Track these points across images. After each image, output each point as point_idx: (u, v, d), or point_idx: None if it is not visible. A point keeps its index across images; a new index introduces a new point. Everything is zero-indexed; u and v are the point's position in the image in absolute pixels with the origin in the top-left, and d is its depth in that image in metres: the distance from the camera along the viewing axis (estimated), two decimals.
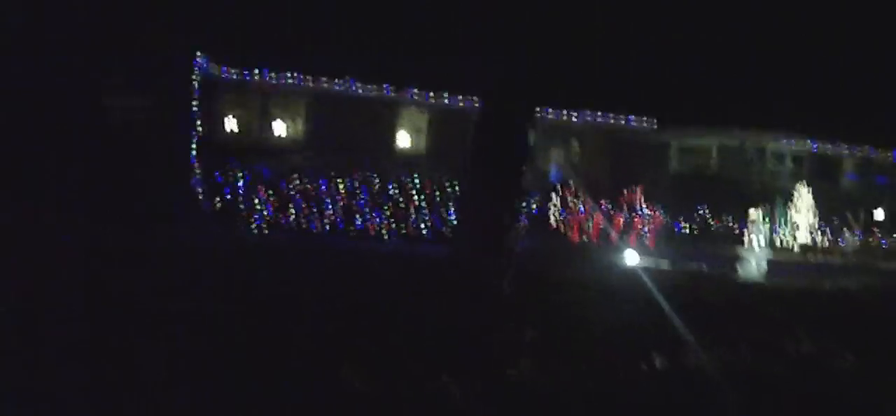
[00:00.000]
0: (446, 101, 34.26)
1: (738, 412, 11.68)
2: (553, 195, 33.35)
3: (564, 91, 34.60)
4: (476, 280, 14.14)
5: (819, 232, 36.85)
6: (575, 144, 39.19)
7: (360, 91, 33.32)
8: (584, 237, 33.74)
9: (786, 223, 36.69)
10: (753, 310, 18.98)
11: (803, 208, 36.62)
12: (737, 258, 26.73)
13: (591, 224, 34.16)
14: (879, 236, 41.12)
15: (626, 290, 20.76)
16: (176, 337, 12.11)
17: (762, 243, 26.63)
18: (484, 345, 12.18)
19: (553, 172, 39.05)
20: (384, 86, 33.45)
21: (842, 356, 15.29)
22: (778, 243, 36.44)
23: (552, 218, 33.22)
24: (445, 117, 34.96)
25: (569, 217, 33.73)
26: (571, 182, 35.21)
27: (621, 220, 34.90)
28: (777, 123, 41.31)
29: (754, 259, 26.42)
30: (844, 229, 37.47)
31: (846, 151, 44.57)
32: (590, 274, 23.73)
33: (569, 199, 33.78)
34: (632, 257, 27.99)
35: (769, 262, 26.79)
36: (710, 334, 15.81)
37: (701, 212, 35.66)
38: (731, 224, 35.88)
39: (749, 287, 23.96)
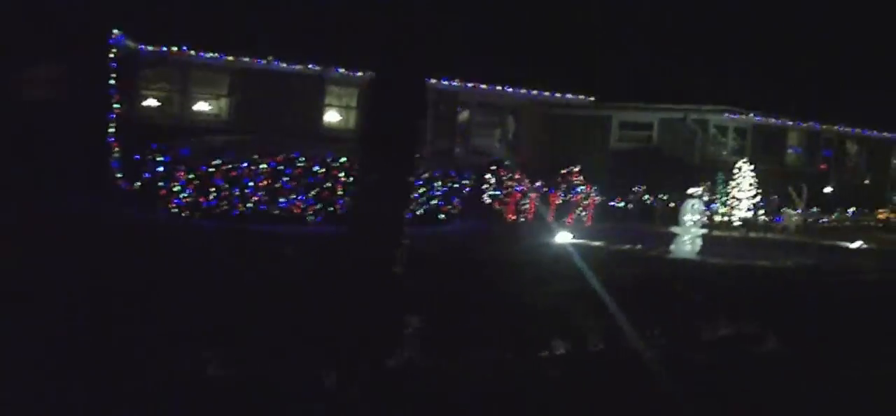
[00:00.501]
0: (360, 75, 33.32)
1: (634, 400, 10.87)
2: (488, 174, 32.48)
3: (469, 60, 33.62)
4: (368, 262, 13.25)
5: (760, 208, 36.18)
6: (511, 120, 38.35)
7: (284, 67, 32.33)
8: (521, 216, 32.93)
9: (726, 199, 36.01)
10: (675, 290, 18.20)
11: (745, 183, 35.93)
12: (672, 236, 25.98)
13: (527, 203, 33.35)
14: (820, 211, 40.57)
15: (544, 270, 19.94)
16: (47, 323, 11.26)
17: (696, 220, 25.86)
18: (364, 332, 11.32)
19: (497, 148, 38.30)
20: (309, 62, 32.45)
21: (761, 340, 14.55)
22: (718, 219, 35.79)
23: (487, 197, 32.34)
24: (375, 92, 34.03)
25: (504, 196, 32.89)
26: (508, 160, 34.40)
27: (558, 198, 34.10)
28: (719, 96, 40.64)
29: (688, 237, 25.68)
30: (786, 204, 36.81)
31: (791, 124, 43.95)
32: (513, 254, 22.91)
33: (504, 177, 32.92)
34: (563, 236, 27.24)
35: (704, 239, 26.04)
36: (622, 317, 15.05)
37: (638, 189, 34.86)
38: (669, 201, 35.17)
39: (678, 266, 23.25)
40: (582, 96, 38.43)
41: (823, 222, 37.92)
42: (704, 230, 26.24)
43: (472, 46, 35.23)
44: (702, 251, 25.62)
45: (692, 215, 25.94)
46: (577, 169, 34.65)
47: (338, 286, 13.09)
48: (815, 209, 39.46)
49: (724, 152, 41.21)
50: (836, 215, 42.28)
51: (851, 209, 41.90)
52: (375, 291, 12.68)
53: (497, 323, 13.76)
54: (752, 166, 36.33)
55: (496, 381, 10.99)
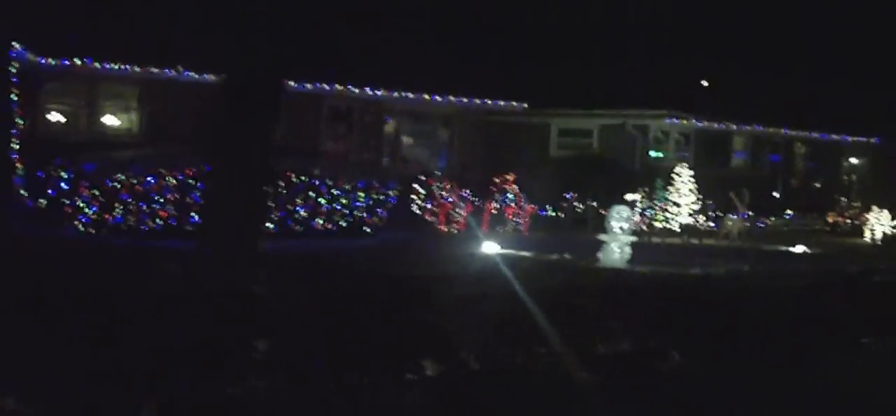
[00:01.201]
0: (295, 85, 32.08)
1: None
2: (417, 184, 31.33)
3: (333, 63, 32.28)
4: (219, 280, 12.02)
5: (700, 214, 35.14)
6: (443, 129, 37.18)
7: (197, 77, 31.06)
8: (452, 227, 31.79)
9: (666, 205, 34.95)
10: (586, 302, 17.06)
11: (684, 188, 34.88)
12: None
13: (458, 213, 32.21)
14: (767, 216, 39.60)
15: (452, 283, 18.78)
16: None
17: (624, 228, 24.75)
18: (206, 356, 10.10)
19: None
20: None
21: (662, 355, 13.40)
22: (658, 226, 34.73)
23: (416, 207, 31.17)
24: (300, 101, 32.83)
25: (435, 206, 31.73)
26: (438, 170, 33.29)
27: (492, 207, 32.99)
28: (660, 100, 39.67)
29: (616, 244, 24.58)
30: (729, 209, 35.70)
31: (735, 129, 43.01)
32: (429, 266, 21.76)
33: (434, 187, 31.76)
34: (490, 247, 26.14)
35: (639, 246, 24.99)
36: (520, 331, 13.92)
37: (569, 196, 33.75)
38: (600, 208, 34.07)
39: (601, 275, 22.16)
40: (515, 103, 37.28)
41: (762, 226, 36.86)
42: (634, 237, 25.10)
43: (399, 54, 34.12)
44: (631, 259, 24.54)
45: (619, 222, 24.85)
46: (511, 177, 33.56)
47: (188, 306, 11.85)
48: (752, 214, 38.36)
49: (668, 158, 40.18)
50: (783, 219, 41.35)
51: (791, 213, 40.95)
52: (225, 310, 11.44)
53: (374, 343, 12.56)
54: (692, 172, 35.26)
55: (341, 409, 9.78)
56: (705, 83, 45.42)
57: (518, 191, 33.66)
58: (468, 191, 32.79)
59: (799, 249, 31.44)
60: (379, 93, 34.32)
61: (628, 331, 14.52)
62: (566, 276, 21.24)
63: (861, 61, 51.73)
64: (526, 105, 37.40)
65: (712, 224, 35.57)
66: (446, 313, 15.20)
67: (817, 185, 46.91)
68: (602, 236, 25.10)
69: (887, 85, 51.78)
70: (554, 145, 40.72)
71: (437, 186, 31.92)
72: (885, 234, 36.41)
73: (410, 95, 34.72)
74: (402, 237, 28.48)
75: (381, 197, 29.21)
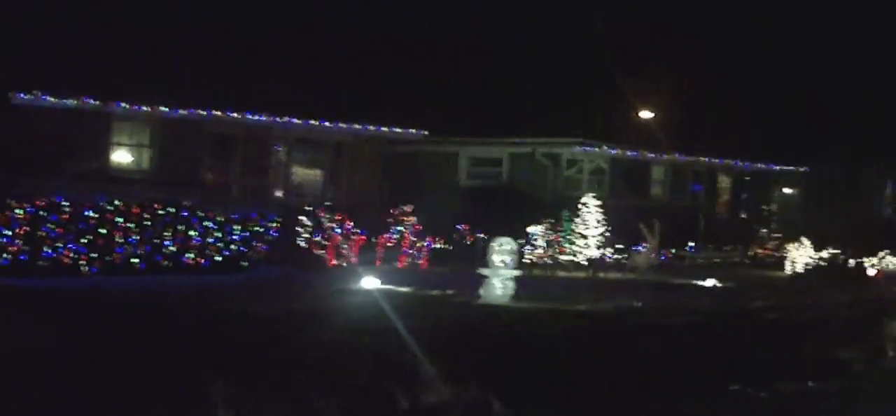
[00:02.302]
0: (167, 111, 30.11)
1: None
2: (304, 215, 29.45)
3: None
4: None
5: (607, 246, 33.41)
6: (336, 157, 35.19)
7: (54, 101, 29.05)
8: (343, 261, 29.94)
9: (571, 236, 33.21)
10: (437, 343, 15.23)
11: (592, 219, 33.15)
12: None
13: (349, 246, 30.35)
14: (681, 249, 37.98)
15: (296, 323, 17.03)
16: None
17: (506, 262, 22.95)
18: None
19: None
20: (86, 96, 29.17)
21: (483, 407, 11.56)
22: (564, 259, 32.99)
23: (302, 240, 29.28)
24: (175, 128, 30.86)
25: (324, 239, 29.86)
26: (329, 201, 31.44)
27: (386, 240, 31.18)
28: (570, 128, 38.02)
29: (498, 280, 22.78)
30: (638, 242, 34.04)
31: (653, 157, 41.38)
32: (290, 304, 19.93)
33: (324, 218, 29.89)
34: (370, 281, 24.35)
35: (531, 281, 23.28)
36: (328, 379, 12.10)
37: (464, 229, 31.90)
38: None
39: (475, 313, 20.41)
40: (414, 131, 35.40)
41: (675, 259, 35.18)
42: (518, 271, 23.26)
43: (289, 79, 32.24)
44: (516, 295, 22.71)
45: (501, 255, 23.04)
46: (408, 209, 31.76)
47: None
48: (672, 248, 36.81)
49: (581, 187, 38.47)
50: (704, 251, 39.77)
51: (711, 245, 39.39)
52: None
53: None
54: (599, 202, 33.55)
55: None
56: (649, 114, 43.76)
57: (416, 223, 31.86)
58: (362, 223, 30.93)
59: (708, 283, 29.77)
60: (263, 118, 32.28)
61: (458, 377, 12.65)
62: (438, 314, 19.54)
63: (791, 89, 50.36)
64: (426, 133, 35.56)
65: (623, 257, 33.80)
66: (255, 359, 13.34)
67: (744, 216, 45.30)
68: (483, 271, 23.26)
69: (816, 113, 50.51)
70: (463, 175, 38.92)
71: (327, 218, 30.04)
72: (805, 266, 34.84)
73: (297, 121, 32.71)
74: (280, 273, 26.62)
75: (259, 229, 27.29)
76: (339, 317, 18.57)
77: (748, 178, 46.92)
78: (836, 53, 50.93)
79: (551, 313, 20.74)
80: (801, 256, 35.87)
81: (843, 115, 49.06)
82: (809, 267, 34.62)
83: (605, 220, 33.75)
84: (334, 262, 29.89)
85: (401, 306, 20.64)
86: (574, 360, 15.30)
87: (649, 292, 25.62)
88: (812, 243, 42.03)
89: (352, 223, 30.60)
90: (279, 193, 33.18)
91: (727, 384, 13.94)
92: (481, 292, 23.05)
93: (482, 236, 30.32)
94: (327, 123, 32.88)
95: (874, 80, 49.14)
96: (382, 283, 24.78)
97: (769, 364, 15.83)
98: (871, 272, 36.55)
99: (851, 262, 39.05)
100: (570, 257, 33.22)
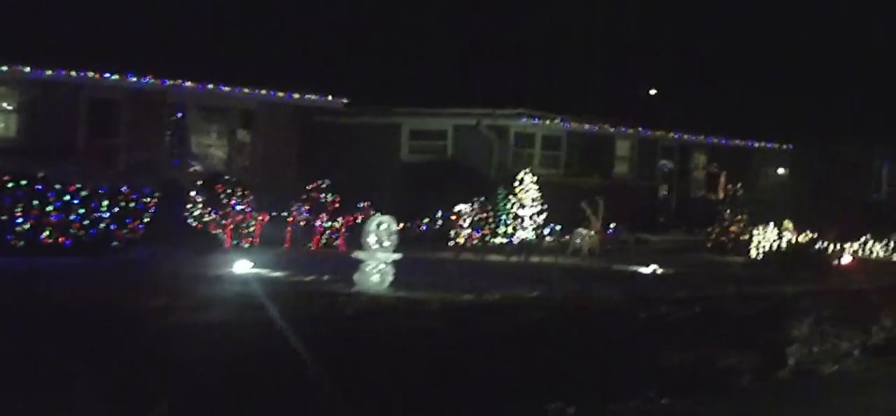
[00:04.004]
0: (30, 71, 27.03)
1: None
2: (195, 191, 26.50)
3: None
4: None
5: (545, 227, 30.33)
6: (245, 126, 32.06)
7: None
8: (243, 242, 27.01)
9: (505, 216, 30.14)
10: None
11: (527, 197, 30.06)
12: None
13: (250, 224, 27.40)
14: (642, 231, 34.86)
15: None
16: None
17: (385, 244, 19.92)
18: None
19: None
20: None
21: None
22: (498, 241, 29.94)
23: (192, 219, 26.32)
24: (48, 92, 27.81)
25: (221, 216, 26.89)
26: (228, 175, 28.43)
27: (297, 218, 28.21)
28: (517, 98, 34.92)
29: (373, 264, 19.78)
30: (581, 222, 30.91)
31: (613, 131, 38.20)
32: (136, 294, 17.12)
33: (222, 194, 26.92)
34: (242, 266, 21.44)
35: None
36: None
37: (362, 205, 28.78)
38: (422, 219, 29.29)
39: (338, 304, 17.80)
40: (331, 98, 32.23)
41: (612, 237, 31.94)
42: (397, 255, 20.18)
43: (189, 38, 29.12)
44: (392, 282, 19.73)
45: (378, 236, 20.03)
46: (325, 184, 28.76)
47: None
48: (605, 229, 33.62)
49: (533, 164, 35.36)
50: (667, 233, 36.65)
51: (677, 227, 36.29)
52: None
53: None
54: (535, 178, 30.46)
55: None
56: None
57: (333, 200, 28.87)
58: (272, 200, 27.98)
59: (648, 270, 26.67)
60: (149, 81, 29.09)
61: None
62: (296, 305, 16.91)
63: (775, 63, 47.05)
64: (345, 101, 32.41)
65: (564, 240, 30.73)
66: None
67: (718, 196, 42.02)
68: (359, 254, 20.24)
69: (803, 89, 47.27)
70: (405, 149, 35.84)
71: (226, 194, 27.07)
72: (766, 250, 31.64)
73: (191, 84, 29.46)
74: (159, 255, 23.75)
75: (132, 204, 24.28)
76: (209, 303, 16.44)
77: (730, 156, 43.58)
78: (826, 27, 47.56)
79: (412, 305, 17.83)
80: (766, 240, 32.64)
81: (831, 92, 45.74)
82: (772, 253, 31.31)
83: (559, 199, 30.76)
84: (233, 242, 26.92)
85: (266, 293, 18.11)
86: (384, 364, 12.39)
87: (565, 280, 22.72)
88: (794, 226, 38.97)
89: (255, 199, 27.67)
90: (168, 164, 29.97)
91: (548, 401, 10.99)
92: (356, 278, 20.06)
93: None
94: (226, 88, 29.68)
95: (865, 57, 45.78)
96: (256, 267, 21.97)
97: (629, 373, 12.86)
98: (846, 259, 33.34)
99: (825, 247, 35.94)
100: (505, 240, 30.08)
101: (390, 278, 20.16)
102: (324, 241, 28.56)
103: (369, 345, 13.54)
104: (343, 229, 29.14)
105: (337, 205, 28.93)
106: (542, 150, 35.99)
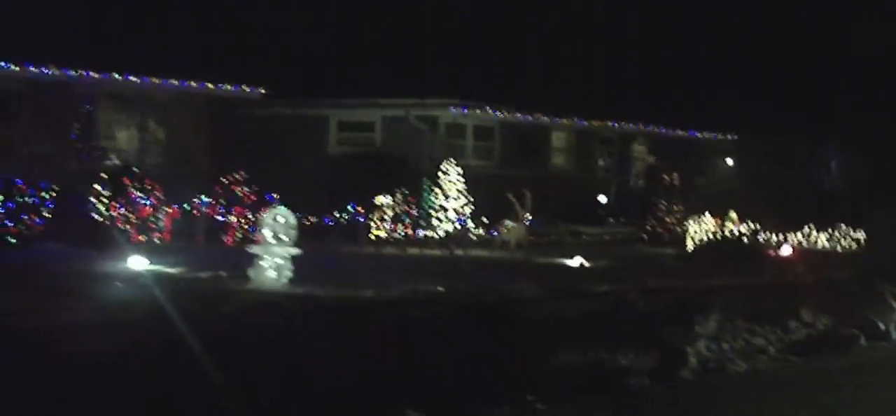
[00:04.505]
0: None
1: None
2: (103, 185, 25.24)
3: None
4: None
5: (471, 219, 29.21)
6: (150, 115, 30.66)
7: None
8: (153, 237, 25.81)
9: (429, 209, 29.00)
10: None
11: (453, 189, 28.92)
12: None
13: (160, 219, 26.19)
14: (578, 223, 33.83)
15: None
16: None
17: (282, 238, 18.73)
18: None
19: None
20: None
21: None
22: (424, 235, 28.80)
23: (97, 214, 25.07)
24: None
25: (129, 211, 25.66)
26: (140, 167, 27.16)
27: (210, 212, 27.00)
28: (447, 88, 33.80)
29: (269, 259, 18.58)
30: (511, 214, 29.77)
31: (549, 121, 37.09)
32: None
33: (131, 188, 25.70)
34: (137, 262, 20.23)
35: (299, 260, 19.04)
36: None
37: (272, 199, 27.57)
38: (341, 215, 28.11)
39: (221, 301, 16.61)
40: (246, 88, 30.90)
41: (531, 229, 30.74)
42: (296, 250, 18.99)
43: (97, 28, 27.79)
44: (296, 278, 18.57)
45: (274, 230, 18.83)
46: (241, 177, 27.58)
47: None
48: (537, 220, 32.47)
49: (465, 156, 34.25)
50: (604, 227, 35.62)
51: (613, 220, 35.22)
52: None
53: None
54: (460, 169, 29.35)
55: None
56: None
57: (248, 193, 27.71)
58: (184, 194, 26.77)
59: (574, 262, 25.63)
60: (48, 72, 27.70)
61: None
62: (183, 304, 15.37)
63: (722, 54, 46.10)
64: (262, 91, 31.10)
65: (495, 232, 29.64)
66: None
67: (658, 187, 40.79)
68: (254, 249, 19.05)
69: (748, 79, 46.35)
70: (333, 141, 34.63)
71: (134, 187, 25.85)
72: (701, 242, 30.69)
73: (96, 75, 28.10)
74: (58, 251, 22.54)
75: (28, 199, 23.00)
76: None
77: (675, 147, 42.49)
78: (775, 18, 46.62)
79: (295, 302, 16.65)
80: (700, 232, 31.73)
81: (779, 83, 44.80)
82: (704, 244, 30.33)
83: (494, 191, 29.73)
84: (141, 238, 25.72)
85: (128, 293, 17.16)
86: (232, 364, 11.13)
87: (477, 274, 21.69)
88: (739, 217, 38.12)
89: (168, 193, 26.48)
90: (84, 158, 28.60)
91: (402, 408, 9.87)
92: (252, 274, 18.89)
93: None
94: (134, 78, 28.28)
95: (810, 48, 44.87)
96: (154, 264, 20.80)
97: (511, 374, 11.75)
98: (786, 251, 32.45)
99: (767, 238, 35.13)
100: (431, 232, 28.94)
101: (288, 273, 18.99)
102: (239, 236, 27.38)
103: (225, 344, 12.31)
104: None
105: (254, 198, 27.81)
106: (474, 141, 34.87)
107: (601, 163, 39.56)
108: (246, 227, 27.52)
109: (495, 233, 28.48)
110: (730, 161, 46.23)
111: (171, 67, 28.76)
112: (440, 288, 19.08)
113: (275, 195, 26.40)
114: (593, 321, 14.31)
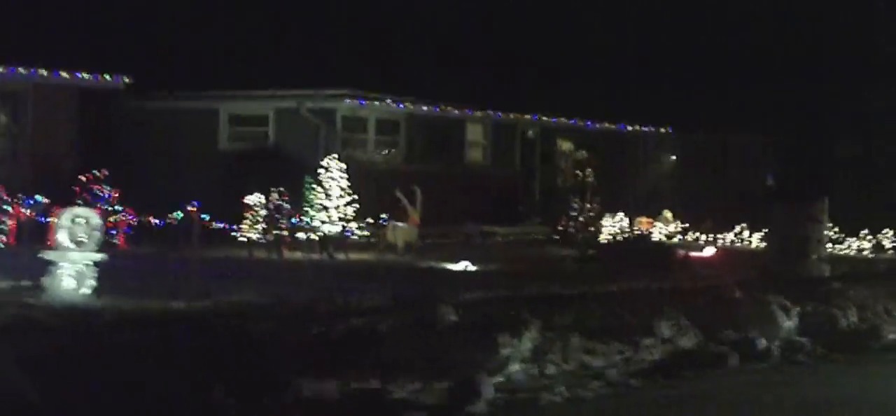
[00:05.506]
0: None
1: None
2: None
3: None
4: None
5: (354, 220, 26.82)
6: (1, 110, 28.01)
7: None
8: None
9: (309, 208, 26.61)
10: None
11: (334, 187, 26.53)
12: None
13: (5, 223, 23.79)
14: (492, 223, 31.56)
15: None
16: None
17: (80, 241, 16.27)
18: None
19: None
20: None
21: None
22: (304, 236, 26.37)
23: None
24: None
25: None
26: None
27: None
28: (343, 77, 31.39)
29: (67, 266, 16.11)
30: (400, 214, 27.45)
31: (460, 114, 34.68)
32: None
33: None
34: None
35: (105, 265, 16.64)
36: None
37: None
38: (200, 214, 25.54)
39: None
40: (108, 77, 28.23)
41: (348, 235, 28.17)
42: (100, 255, 16.51)
43: None
44: (110, 287, 16.27)
45: (72, 233, 16.35)
46: (102, 175, 25.14)
47: None
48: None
49: (366, 151, 31.87)
50: (517, 227, 33.33)
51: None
52: None
53: None
54: (343, 165, 26.97)
55: None
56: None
57: (115, 193, 25.27)
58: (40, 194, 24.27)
59: (460, 266, 23.34)
60: None
61: None
62: None
63: (656, 44, 43.72)
64: (126, 80, 28.45)
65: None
66: None
67: (577, 184, 38.30)
68: (48, 254, 16.54)
69: (688, 70, 44.00)
70: (224, 136, 32.16)
71: None
72: (605, 243, 28.45)
73: None
74: None
75: None
76: None
77: (604, 141, 40.11)
78: (717, 11, 44.27)
79: (69, 316, 14.13)
80: (615, 231, 29.50)
81: (721, 77, 42.47)
82: (611, 245, 28.06)
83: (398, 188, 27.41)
84: None
85: None
86: None
87: (323, 280, 19.31)
88: (674, 215, 36.10)
89: (20, 194, 24.01)
90: None
91: None
92: (46, 283, 16.42)
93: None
94: None
95: (745, 40, 42.58)
96: None
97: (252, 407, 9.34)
98: (708, 251, 30.27)
99: (691, 238, 33.00)
100: (311, 234, 26.50)
101: (90, 282, 16.52)
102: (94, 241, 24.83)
103: None
104: (122, 227, 25.59)
105: (117, 197, 25.43)
106: (376, 135, 32.39)
107: (521, 159, 37.07)
108: (107, 230, 24.97)
109: (391, 233, 26.02)
110: (672, 158, 44.05)
111: (16, 54, 25.99)
112: (265, 299, 16.65)
113: (113, 193, 23.90)
114: (384, 340, 11.84)
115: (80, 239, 16.58)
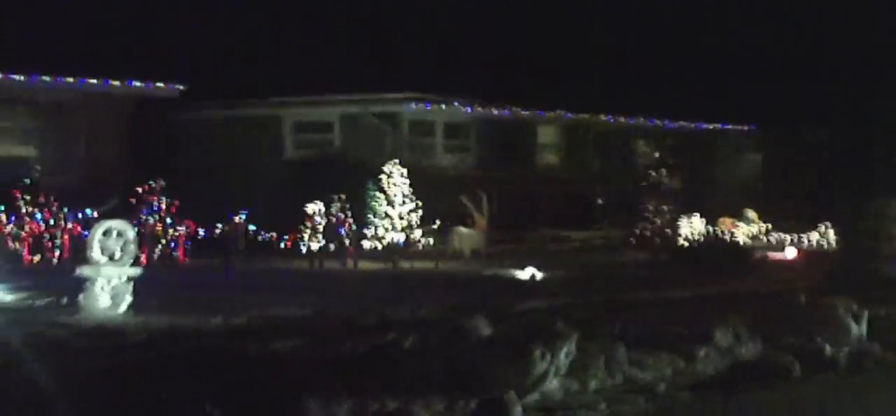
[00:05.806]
0: None
1: None
2: None
3: None
4: None
5: (418, 227, 26.05)
6: (49, 119, 27.44)
7: None
8: (51, 256, 23.04)
9: (373, 215, 25.88)
10: None
11: (397, 194, 25.77)
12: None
13: (57, 237, 23.36)
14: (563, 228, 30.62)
15: None
16: None
17: (116, 256, 15.67)
18: None
19: None
20: None
21: None
22: (368, 245, 25.69)
23: None
24: None
25: (19, 227, 22.86)
26: (34, 177, 24.27)
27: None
28: (405, 80, 30.67)
29: (102, 282, 15.52)
30: (466, 219, 26.63)
31: (530, 115, 33.79)
32: None
33: (21, 202, 22.91)
34: None
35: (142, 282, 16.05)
36: None
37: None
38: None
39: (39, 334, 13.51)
40: (161, 84, 27.70)
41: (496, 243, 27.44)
42: (137, 270, 15.89)
43: None
44: (150, 304, 15.71)
45: (104, 247, 15.75)
46: (158, 186, 24.72)
47: None
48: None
49: (434, 156, 31.11)
50: (591, 230, 32.32)
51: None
52: None
53: None
54: (404, 171, 26.20)
55: None
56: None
57: (174, 205, 24.87)
58: (93, 207, 23.87)
59: (526, 272, 22.45)
60: None
61: None
62: None
63: (743, 45, 42.34)
64: (181, 87, 27.92)
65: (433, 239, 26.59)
66: None
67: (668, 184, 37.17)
68: (84, 271, 15.93)
69: (768, 67, 42.53)
70: (290, 144, 31.57)
71: (26, 202, 23.03)
72: (681, 247, 27.33)
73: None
74: None
75: None
76: None
77: (685, 141, 38.91)
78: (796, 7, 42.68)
79: (100, 337, 13.50)
80: (686, 233, 28.41)
81: (799, 71, 40.96)
82: (687, 249, 26.96)
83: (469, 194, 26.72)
84: (33, 258, 22.90)
85: None
86: None
87: (385, 292, 18.58)
88: (759, 215, 34.90)
89: (73, 207, 23.61)
90: None
91: None
92: (81, 301, 15.85)
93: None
94: (19, 76, 25.07)
95: (826, 40, 40.97)
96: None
97: None
98: (790, 253, 29.04)
99: (775, 239, 31.78)
100: (375, 243, 25.80)
101: (127, 298, 15.90)
102: (158, 253, 24.51)
103: None
104: (183, 239, 25.14)
105: (174, 210, 25.01)
106: (444, 139, 31.56)
107: (597, 160, 36.05)
108: (168, 242, 24.66)
109: (456, 240, 25.19)
110: (755, 156, 42.76)
111: (71, 65, 25.52)
112: (309, 311, 15.91)
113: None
114: (413, 355, 11.03)
115: (114, 254, 15.95)
